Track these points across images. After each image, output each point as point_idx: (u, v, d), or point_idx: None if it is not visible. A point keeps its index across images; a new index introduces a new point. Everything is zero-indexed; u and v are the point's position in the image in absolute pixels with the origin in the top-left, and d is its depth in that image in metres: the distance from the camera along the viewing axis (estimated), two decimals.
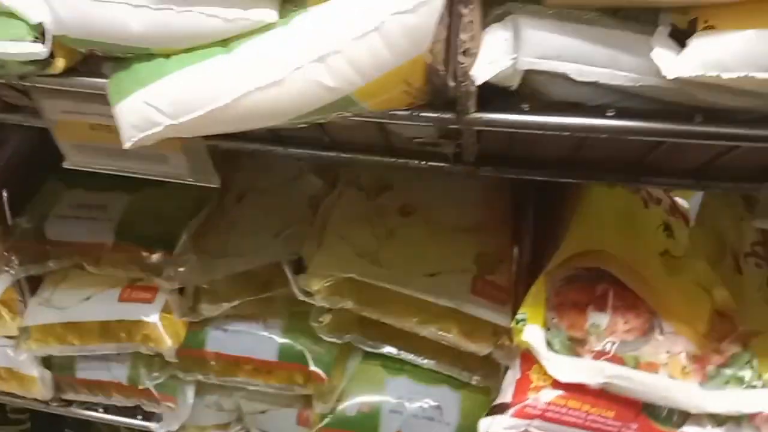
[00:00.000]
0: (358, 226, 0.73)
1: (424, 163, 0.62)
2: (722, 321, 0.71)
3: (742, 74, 0.39)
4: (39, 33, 0.46)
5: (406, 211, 0.74)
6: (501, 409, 0.69)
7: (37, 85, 0.51)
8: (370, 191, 0.76)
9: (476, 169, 0.62)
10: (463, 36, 0.40)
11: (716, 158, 0.55)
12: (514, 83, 0.44)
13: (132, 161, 0.57)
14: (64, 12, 0.45)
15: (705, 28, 0.40)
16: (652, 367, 0.67)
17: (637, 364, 0.66)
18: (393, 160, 0.62)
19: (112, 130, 0.54)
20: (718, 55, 0.39)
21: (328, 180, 0.79)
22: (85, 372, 0.85)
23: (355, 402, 0.77)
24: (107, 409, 0.92)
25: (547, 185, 0.77)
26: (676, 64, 0.40)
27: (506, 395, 0.70)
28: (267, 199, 0.78)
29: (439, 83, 0.43)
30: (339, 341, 0.74)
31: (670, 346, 0.67)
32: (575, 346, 0.67)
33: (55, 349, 0.80)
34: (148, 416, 0.91)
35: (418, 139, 0.55)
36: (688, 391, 0.66)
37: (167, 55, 0.46)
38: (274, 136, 0.64)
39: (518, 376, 0.70)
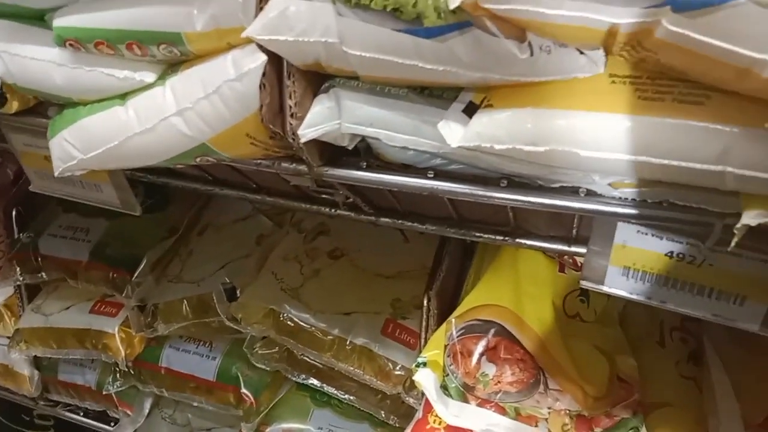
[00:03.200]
0: (290, 265, 0.81)
1: (333, 210, 0.71)
2: (622, 387, 0.74)
3: (510, 146, 0.45)
4: None
5: (335, 255, 0.82)
6: None
7: (3, 121, 0.64)
8: (308, 234, 0.84)
9: (377, 218, 0.70)
10: (289, 102, 0.49)
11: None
12: (347, 144, 0.52)
13: (77, 188, 0.68)
14: (11, 65, 0.57)
15: (486, 106, 0.47)
16: (531, 420, 0.71)
17: (517, 415, 0.70)
18: (308, 206, 0.71)
19: None
20: (491, 130, 0.46)
21: (278, 221, 0.88)
22: (65, 375, 0.96)
23: (279, 427, 0.84)
24: (87, 414, 1.03)
25: (471, 242, 0.84)
26: (459, 135, 0.47)
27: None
28: (222, 234, 0.89)
29: (281, 138, 0.52)
30: (268, 368, 0.82)
31: (553, 403, 0.70)
32: (466, 392, 0.72)
33: (39, 351, 0.92)
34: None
35: (305, 186, 0.64)
36: None
37: (84, 103, 0.57)
38: (214, 178, 0.75)
39: (420, 416, 0.75)
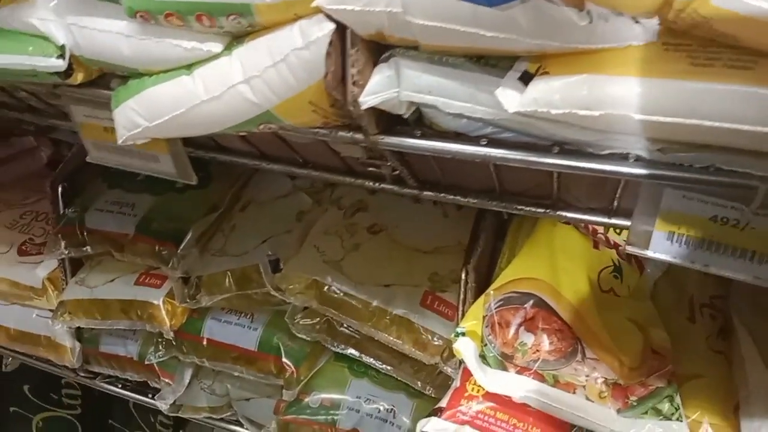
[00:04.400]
0: (331, 239, 0.84)
1: (378, 184, 0.74)
2: (656, 359, 0.76)
3: (566, 111, 0.48)
4: (63, 52, 0.61)
5: (375, 230, 0.85)
6: (436, 412, 0.77)
7: (66, 93, 0.67)
8: (348, 211, 0.87)
9: (420, 192, 0.72)
10: (351, 70, 0.52)
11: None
12: (404, 112, 0.55)
13: (133, 159, 0.71)
14: (80, 37, 0.60)
15: (542, 74, 0.49)
16: (569, 387, 0.73)
17: (555, 382, 0.73)
18: (353, 180, 0.74)
19: None
20: (546, 95, 0.48)
21: (318, 199, 0.91)
22: (107, 346, 0.99)
23: (319, 396, 0.87)
24: (125, 386, 1.06)
25: (510, 215, 0.87)
26: (516, 101, 0.49)
27: (444, 401, 0.78)
28: (264, 210, 0.91)
29: (341, 106, 0.54)
30: (308, 339, 0.85)
31: (590, 372, 0.73)
32: (505, 361, 0.74)
33: (83, 322, 0.95)
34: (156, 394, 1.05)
35: (355, 158, 0.66)
36: (603, 414, 0.71)
37: (149, 74, 0.60)
38: (261, 153, 0.77)
39: (457, 385, 0.78)
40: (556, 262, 0.79)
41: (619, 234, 0.84)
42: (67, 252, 0.95)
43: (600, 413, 0.71)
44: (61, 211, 0.96)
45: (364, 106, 0.52)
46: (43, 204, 1.13)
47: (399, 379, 0.85)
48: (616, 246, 0.86)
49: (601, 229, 0.84)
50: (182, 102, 0.57)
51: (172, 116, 0.58)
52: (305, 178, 0.77)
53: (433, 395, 0.85)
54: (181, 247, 0.87)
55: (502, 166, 0.59)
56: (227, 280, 0.87)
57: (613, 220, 0.67)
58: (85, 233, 0.93)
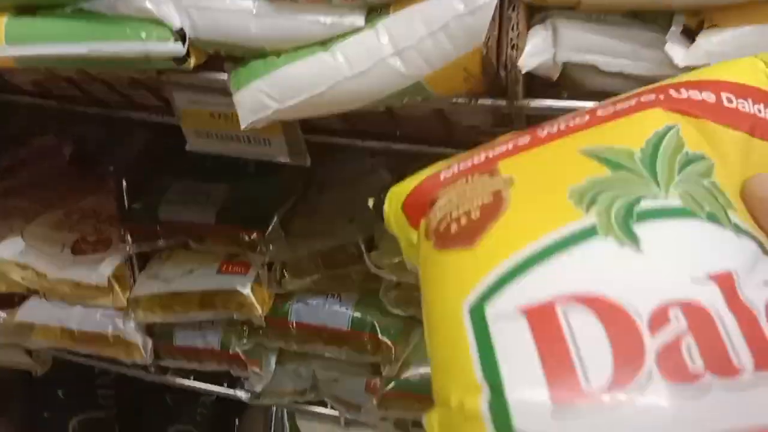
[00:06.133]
0: None
1: None
2: None
3: None
4: (179, 36, 0.59)
5: None
6: None
7: (172, 79, 0.65)
8: None
9: None
10: (511, 34, 0.51)
11: None
12: (554, 75, 0.55)
13: (241, 144, 0.69)
14: (198, 19, 0.58)
15: (710, 27, 0.49)
16: None
17: None
18: (455, 151, 0.73)
19: (228, 117, 0.67)
20: (720, 47, 0.48)
21: (398, 176, 0.90)
22: (183, 339, 0.97)
23: (418, 370, 0.87)
24: (197, 378, 1.05)
25: None
26: (686, 55, 0.49)
27: None
28: (344, 190, 0.90)
29: (492, 72, 0.54)
30: (404, 314, 0.85)
31: None
32: None
33: (159, 317, 0.93)
34: (233, 384, 1.03)
35: (476, 127, 0.66)
36: None
37: (278, 53, 0.58)
38: (353, 130, 0.76)
39: None
40: None
41: None
42: (137, 247, 0.92)
43: None
44: (126, 206, 0.93)
45: (524, 70, 0.52)
46: (90, 201, 1.10)
47: None
48: None
49: None
50: (323, 80, 0.55)
51: (310, 96, 0.56)
52: (401, 154, 0.76)
53: None
54: (267, 232, 0.85)
55: None
56: (315, 262, 0.86)
57: None
58: (158, 226, 0.90)
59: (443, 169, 0.43)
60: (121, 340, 0.99)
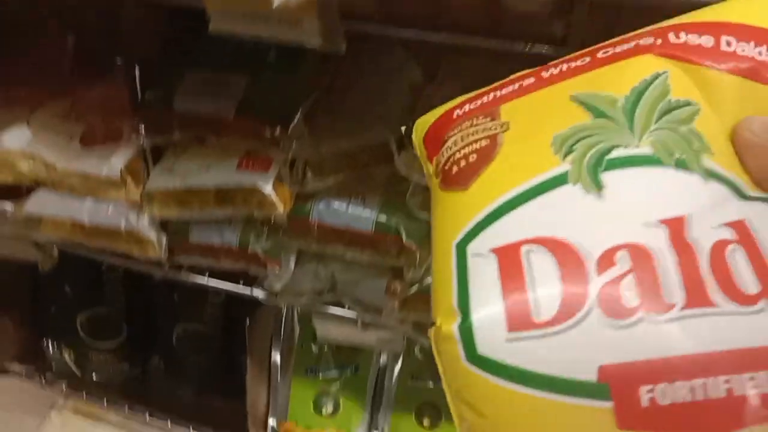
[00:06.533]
0: None
1: (528, 47, 0.68)
2: None
3: None
4: None
5: None
6: None
7: None
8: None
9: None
10: None
11: None
12: None
13: (269, 25, 0.64)
14: None
15: None
16: None
17: None
18: (497, 43, 0.68)
19: None
20: None
21: (429, 73, 0.85)
22: (199, 236, 0.95)
23: None
24: (212, 275, 1.03)
25: None
26: None
27: None
28: (372, 86, 0.85)
29: None
30: (429, 219, 0.82)
31: None
32: None
33: (174, 213, 0.90)
34: (249, 282, 1.02)
35: (529, 16, 0.61)
36: None
37: None
38: (388, 15, 0.70)
39: None
40: None
41: None
42: (150, 139, 0.88)
43: None
44: (140, 95, 0.88)
45: None
46: (97, 91, 1.04)
47: None
48: None
49: None
50: None
51: None
52: (439, 47, 0.71)
53: None
54: (290, 128, 0.81)
55: None
56: (339, 160, 0.82)
57: None
58: (173, 118, 0.85)
59: (457, 107, 0.44)
60: (134, 235, 0.97)
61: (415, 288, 0.85)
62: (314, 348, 1.23)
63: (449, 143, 0.42)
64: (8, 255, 1.20)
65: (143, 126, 0.87)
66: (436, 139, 0.44)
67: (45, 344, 1.50)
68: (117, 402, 1.47)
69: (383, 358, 1.24)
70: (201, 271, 1.04)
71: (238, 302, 1.39)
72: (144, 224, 0.95)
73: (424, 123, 0.47)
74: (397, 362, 1.23)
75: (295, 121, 0.81)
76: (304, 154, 0.82)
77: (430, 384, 1.20)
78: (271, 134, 0.81)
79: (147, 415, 1.44)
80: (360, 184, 0.85)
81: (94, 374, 1.50)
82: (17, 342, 1.52)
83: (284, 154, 0.82)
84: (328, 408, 1.23)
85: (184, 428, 1.41)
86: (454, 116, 0.43)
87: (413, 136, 0.48)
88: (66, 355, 1.50)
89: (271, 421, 1.29)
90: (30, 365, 1.53)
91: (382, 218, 0.84)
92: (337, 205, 0.86)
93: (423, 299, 0.85)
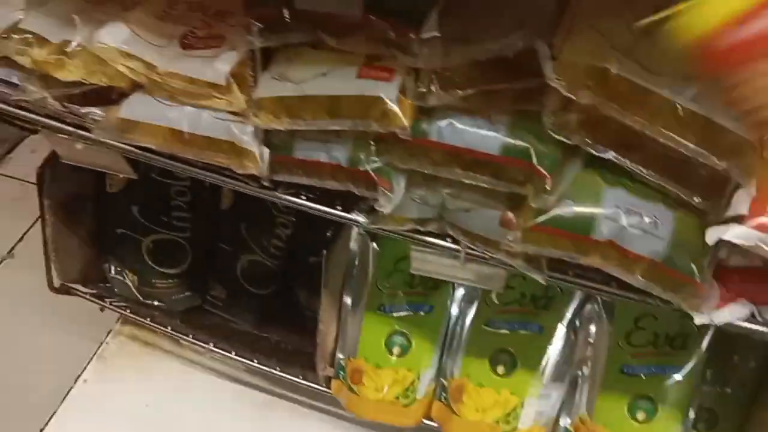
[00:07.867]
0: (611, 19, 0.71)
1: None
2: None
3: None
4: None
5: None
6: (736, 220, 0.70)
7: None
8: None
9: None
10: None
11: None
12: None
13: None
14: None
15: None
16: None
17: None
18: None
19: None
20: None
21: None
22: (303, 152, 0.89)
23: (570, 209, 0.78)
24: (308, 198, 0.97)
25: None
26: None
27: (740, 208, 0.70)
28: None
29: None
30: (567, 141, 0.75)
31: None
32: None
33: (285, 123, 0.84)
34: (347, 208, 0.96)
35: None
36: None
37: None
38: None
39: (754, 194, 0.70)
40: None
41: None
42: (262, 39, 0.82)
43: None
44: None
45: None
46: None
47: (659, 187, 0.77)
48: None
49: None
50: None
51: None
52: None
53: (698, 206, 0.76)
54: (423, 31, 0.74)
55: None
56: (471, 73, 0.75)
57: None
58: (290, 15, 0.79)
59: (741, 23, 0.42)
60: (236, 147, 0.91)
61: (542, 218, 0.78)
62: (387, 286, 1.19)
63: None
64: (99, 165, 1.16)
65: (257, 25, 0.81)
66: (726, 59, 0.41)
67: (108, 267, 1.48)
68: (180, 330, 1.45)
69: (457, 302, 1.19)
70: (295, 193, 0.98)
71: (304, 237, 1.35)
72: (248, 135, 0.89)
73: (691, 25, 0.45)
74: (472, 306, 1.18)
75: (429, 23, 0.74)
76: (434, 63, 0.76)
77: (505, 330, 1.15)
78: (401, 37, 0.74)
79: (211, 345, 1.42)
80: (488, 103, 0.78)
81: (155, 301, 1.48)
82: (81, 262, 1.50)
83: (412, 62, 0.75)
84: (398, 348, 1.19)
85: (248, 360, 1.39)
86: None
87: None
88: (129, 280, 1.47)
89: (340, 356, 1.25)
90: (91, 288, 1.51)
91: (511, 140, 0.77)
92: (461, 124, 0.79)
93: (551, 232, 0.79)
